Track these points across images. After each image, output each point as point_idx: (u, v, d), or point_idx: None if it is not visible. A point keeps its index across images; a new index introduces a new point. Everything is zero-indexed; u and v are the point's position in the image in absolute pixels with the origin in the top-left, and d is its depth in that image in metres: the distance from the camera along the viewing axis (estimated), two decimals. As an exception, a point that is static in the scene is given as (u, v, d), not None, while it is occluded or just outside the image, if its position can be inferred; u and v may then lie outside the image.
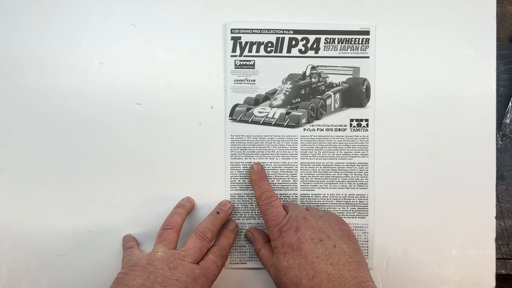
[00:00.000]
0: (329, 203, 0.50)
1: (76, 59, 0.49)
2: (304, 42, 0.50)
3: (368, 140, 0.50)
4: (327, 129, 0.50)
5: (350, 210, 0.50)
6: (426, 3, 0.50)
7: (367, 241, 0.50)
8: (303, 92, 0.50)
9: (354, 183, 0.50)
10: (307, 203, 0.50)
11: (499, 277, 0.51)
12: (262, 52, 0.50)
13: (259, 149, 0.50)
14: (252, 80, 0.50)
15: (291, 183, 0.50)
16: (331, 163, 0.50)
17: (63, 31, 0.49)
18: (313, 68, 0.50)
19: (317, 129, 0.50)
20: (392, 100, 0.50)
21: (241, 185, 0.50)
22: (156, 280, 0.40)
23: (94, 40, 0.49)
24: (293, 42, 0.50)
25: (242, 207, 0.50)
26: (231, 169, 0.50)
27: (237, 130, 0.50)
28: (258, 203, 0.46)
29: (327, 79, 0.50)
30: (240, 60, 0.50)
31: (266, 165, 0.50)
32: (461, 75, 0.50)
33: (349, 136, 0.50)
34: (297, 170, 0.50)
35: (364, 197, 0.50)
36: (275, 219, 0.43)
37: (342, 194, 0.50)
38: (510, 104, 0.51)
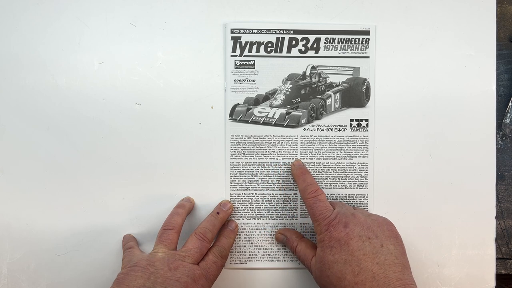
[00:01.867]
0: (329, 203, 0.50)
1: (76, 59, 0.49)
2: (304, 42, 0.50)
3: (368, 140, 0.50)
4: (327, 129, 0.50)
5: (350, 210, 0.50)
6: (426, 3, 0.50)
7: (367, 241, 0.50)
8: (303, 92, 0.50)
9: (354, 183, 0.50)
10: (307, 203, 0.50)
11: (499, 277, 0.51)
12: (262, 52, 0.50)
13: (259, 149, 0.50)
14: (252, 80, 0.50)
15: (291, 183, 0.50)
16: (331, 163, 0.50)
17: (63, 31, 0.49)
18: (313, 68, 0.50)
19: (317, 129, 0.50)
20: (392, 100, 0.50)
21: (241, 185, 0.50)
22: (156, 281, 0.40)
23: (94, 40, 0.49)
24: (293, 42, 0.50)
25: (242, 207, 0.50)
26: (231, 169, 0.50)
27: (237, 130, 0.50)
28: (304, 196, 0.45)
29: (327, 79, 0.50)
30: (240, 60, 0.50)
31: (266, 165, 0.50)
32: (461, 75, 0.50)
33: (349, 136, 0.50)
34: (297, 170, 0.50)
35: (364, 197, 0.50)
36: (323, 213, 0.43)
37: (342, 194, 0.50)
38: (510, 104, 0.51)
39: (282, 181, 0.50)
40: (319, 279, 0.42)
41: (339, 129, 0.50)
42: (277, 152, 0.50)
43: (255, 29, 0.49)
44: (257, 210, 0.50)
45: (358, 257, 0.39)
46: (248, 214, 0.50)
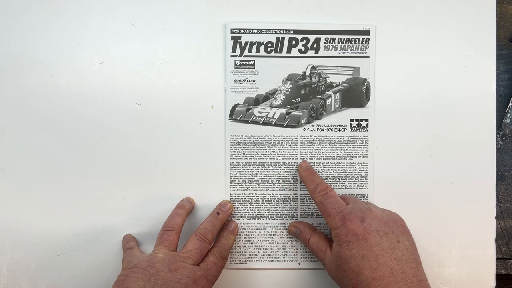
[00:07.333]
0: (329, 203, 0.50)
1: (76, 59, 0.49)
2: (304, 42, 0.50)
3: (368, 140, 0.50)
4: (327, 129, 0.50)
5: (350, 210, 0.50)
6: (426, 3, 0.50)
7: (367, 241, 0.50)
8: (303, 92, 0.50)
9: (354, 183, 0.50)
10: (308, 203, 0.50)
11: (499, 277, 0.51)
12: (262, 52, 0.50)
13: (259, 149, 0.50)
14: (252, 80, 0.50)
15: (291, 183, 0.50)
16: (331, 163, 0.50)
17: (63, 31, 0.49)
18: (313, 68, 0.50)
19: (317, 129, 0.50)
20: (392, 100, 0.50)
21: (241, 185, 0.50)
22: (157, 283, 0.40)
23: (94, 40, 0.49)
24: (293, 42, 0.50)
25: (242, 207, 0.50)
26: (231, 169, 0.50)
27: (237, 130, 0.50)
28: (313, 196, 0.45)
29: (327, 79, 0.50)
30: (240, 60, 0.50)
31: (266, 165, 0.50)
32: (461, 75, 0.50)
33: (349, 136, 0.50)
34: (297, 170, 0.50)
35: (364, 197, 0.50)
36: (336, 207, 0.43)
37: (342, 194, 0.50)
38: (510, 104, 0.51)
39: (282, 181, 0.50)
40: (334, 273, 0.42)
41: (339, 129, 0.50)
42: (277, 152, 0.50)
43: (255, 29, 0.49)
44: (257, 210, 0.50)
45: (376, 253, 0.39)
46: (248, 214, 0.50)
